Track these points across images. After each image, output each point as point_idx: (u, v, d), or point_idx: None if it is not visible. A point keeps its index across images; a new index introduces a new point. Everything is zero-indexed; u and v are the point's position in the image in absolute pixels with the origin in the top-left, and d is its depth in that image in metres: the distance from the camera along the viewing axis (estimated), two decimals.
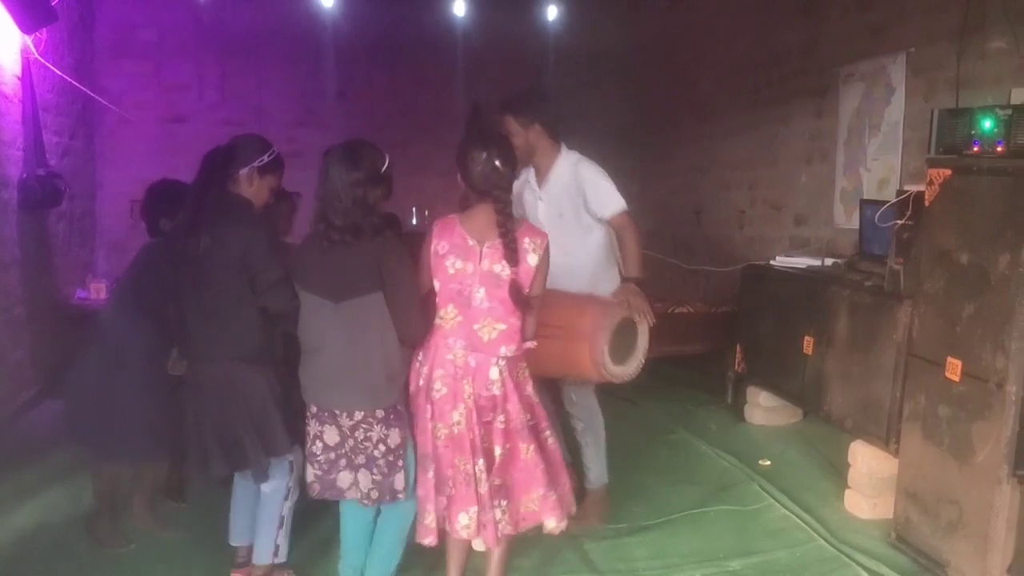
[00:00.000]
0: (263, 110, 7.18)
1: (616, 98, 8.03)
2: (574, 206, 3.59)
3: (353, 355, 2.74)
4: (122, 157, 7.07)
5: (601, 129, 7.63)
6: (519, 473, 2.83)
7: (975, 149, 3.24)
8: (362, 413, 2.77)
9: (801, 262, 4.92)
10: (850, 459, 4.04)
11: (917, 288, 3.54)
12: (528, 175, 3.69)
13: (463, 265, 2.75)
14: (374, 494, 2.84)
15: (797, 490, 4.18)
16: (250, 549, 3.16)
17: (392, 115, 7.61)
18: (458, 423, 2.75)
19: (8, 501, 3.82)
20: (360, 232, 2.73)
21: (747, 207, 6.69)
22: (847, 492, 4.03)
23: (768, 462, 4.57)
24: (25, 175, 5.07)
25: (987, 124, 3.18)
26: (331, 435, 2.83)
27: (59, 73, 5.69)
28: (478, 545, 3.02)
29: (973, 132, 3.25)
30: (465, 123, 7.65)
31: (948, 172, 3.33)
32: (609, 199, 3.56)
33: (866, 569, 3.39)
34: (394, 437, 2.81)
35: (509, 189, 2.81)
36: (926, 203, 3.45)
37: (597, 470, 3.81)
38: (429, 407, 2.78)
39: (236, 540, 3.20)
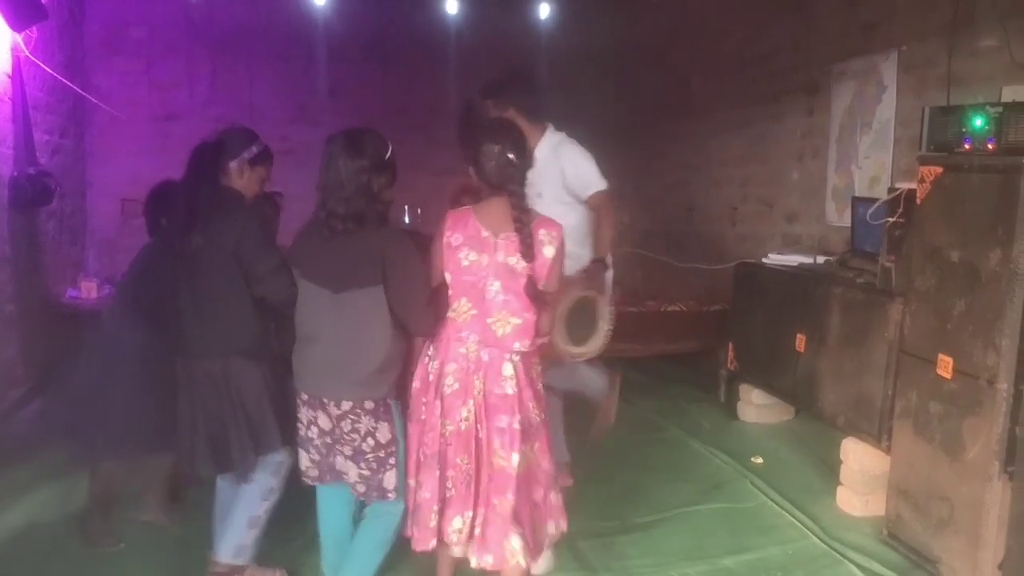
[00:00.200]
0: (255, 108, 7.14)
1: (608, 96, 8.03)
2: (553, 186, 3.58)
3: (346, 346, 2.69)
4: (113, 155, 7.04)
5: (593, 127, 7.61)
6: (532, 474, 2.75)
7: (966, 147, 3.25)
8: (350, 403, 2.71)
9: (793, 260, 4.93)
10: (842, 456, 4.05)
11: (908, 285, 3.55)
12: None
13: (477, 257, 2.69)
14: (360, 488, 2.79)
15: (789, 487, 4.19)
16: None
17: (384, 112, 7.58)
18: (465, 419, 2.68)
19: None
20: (364, 220, 2.67)
21: (739, 204, 6.70)
22: (839, 489, 4.05)
23: (760, 460, 4.58)
24: (15, 173, 5.04)
25: (978, 122, 3.19)
26: (324, 421, 2.78)
27: (49, 71, 5.66)
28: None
29: (964, 130, 3.26)
30: (459, 120, 7.64)
31: (939, 170, 3.34)
32: (590, 178, 3.56)
33: (858, 566, 3.41)
34: (384, 432, 2.76)
35: (523, 182, 2.75)
36: (917, 201, 3.46)
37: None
38: (439, 403, 2.71)
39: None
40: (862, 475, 3.93)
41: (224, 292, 2.87)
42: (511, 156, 2.71)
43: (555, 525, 2.87)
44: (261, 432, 2.93)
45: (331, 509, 2.97)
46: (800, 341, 4.45)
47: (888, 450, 3.70)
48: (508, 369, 2.70)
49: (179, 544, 3.47)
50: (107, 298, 6.30)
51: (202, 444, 2.93)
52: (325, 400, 2.74)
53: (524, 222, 2.65)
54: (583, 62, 7.84)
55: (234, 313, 2.88)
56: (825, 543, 3.61)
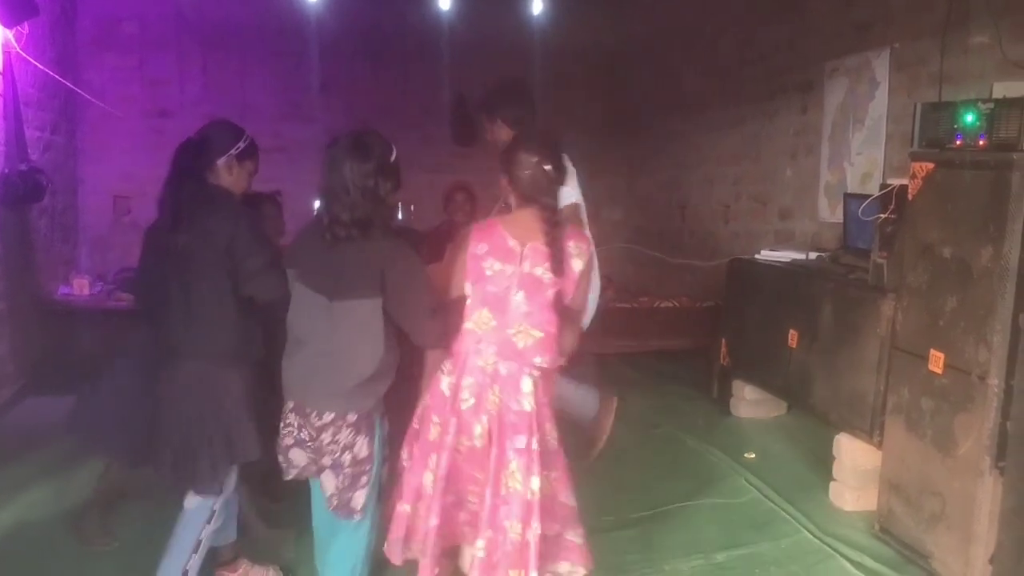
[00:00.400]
0: (247, 104, 7.12)
1: (602, 93, 8.04)
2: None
3: (334, 356, 2.58)
4: (105, 152, 7.02)
5: (586, 124, 7.65)
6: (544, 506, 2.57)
7: (957, 143, 3.26)
8: (332, 415, 2.60)
9: (786, 256, 4.94)
10: (834, 452, 4.06)
11: (900, 281, 3.56)
12: None
13: (502, 267, 2.58)
14: (335, 501, 2.66)
15: (782, 483, 4.20)
16: (233, 547, 3.12)
17: (377, 109, 7.56)
18: (480, 436, 2.56)
19: None
20: (369, 226, 2.56)
21: (732, 202, 6.71)
22: (831, 484, 4.06)
23: (753, 455, 4.60)
24: (7, 170, 5.02)
25: (969, 118, 3.20)
26: (308, 429, 2.66)
27: (41, 67, 5.64)
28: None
29: (956, 126, 3.27)
30: (451, 111, 7.63)
31: (931, 166, 3.35)
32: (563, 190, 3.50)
33: (850, 560, 3.42)
34: (362, 447, 2.64)
35: (555, 196, 2.65)
36: (909, 197, 3.47)
37: None
38: (455, 420, 2.58)
39: (216, 540, 3.09)
40: (854, 470, 3.95)
41: (208, 293, 2.78)
42: (547, 168, 2.61)
43: (569, 567, 2.69)
44: (237, 439, 2.80)
45: (323, 501, 2.87)
46: (793, 337, 4.47)
47: (880, 445, 3.71)
48: (527, 384, 2.56)
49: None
50: (100, 295, 6.30)
51: (167, 451, 2.81)
52: (308, 409, 2.63)
53: (556, 236, 2.56)
54: (577, 59, 7.85)
55: (216, 315, 2.78)
56: (818, 538, 3.63)
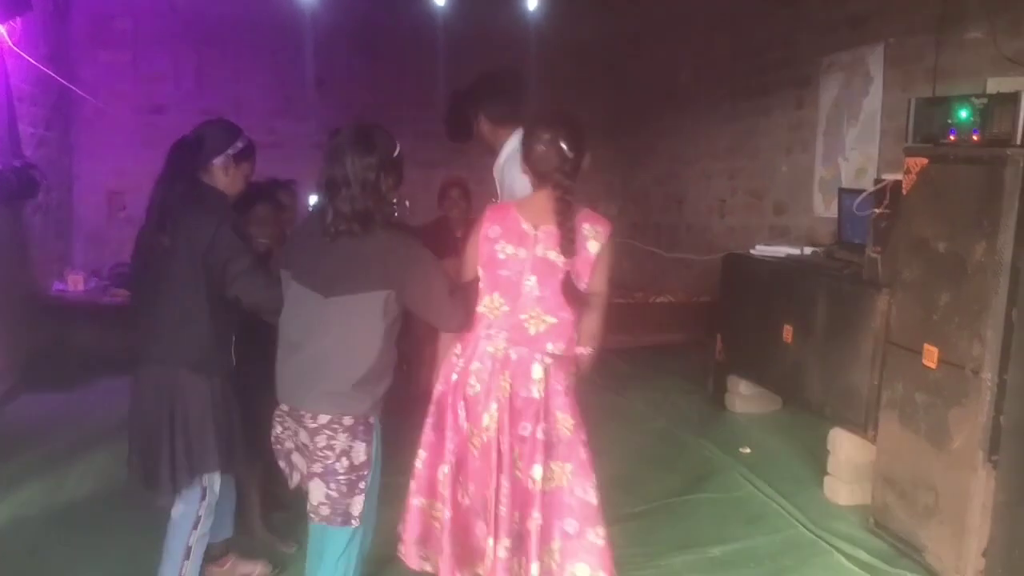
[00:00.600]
0: (241, 100, 7.11)
1: (597, 88, 8.02)
2: (503, 192, 3.55)
3: (329, 354, 2.48)
4: (99, 148, 7.01)
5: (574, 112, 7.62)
6: (550, 498, 2.49)
7: (951, 138, 3.26)
8: (327, 417, 2.47)
9: (780, 251, 4.94)
10: (829, 446, 4.07)
11: (895, 276, 3.57)
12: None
13: (515, 250, 2.50)
14: (324, 511, 2.50)
15: (777, 477, 4.21)
16: (224, 544, 3.11)
17: (372, 105, 7.55)
18: (487, 428, 2.47)
19: None
20: (370, 221, 2.46)
21: (728, 197, 6.72)
22: (826, 479, 4.07)
23: (748, 450, 4.61)
24: (0, 167, 5.01)
25: (963, 113, 3.21)
26: (303, 434, 2.53)
27: (34, 63, 5.62)
28: None
29: (950, 121, 3.27)
30: (445, 106, 7.61)
31: (925, 161, 3.35)
32: (515, 192, 3.47)
33: (845, 554, 3.43)
34: (359, 452, 2.50)
35: (572, 176, 2.52)
36: (903, 192, 3.48)
37: None
38: (463, 405, 2.51)
39: (210, 537, 3.05)
40: (849, 465, 3.96)
41: (181, 297, 2.71)
42: (563, 146, 2.50)
43: (587, 569, 2.48)
44: (198, 448, 2.73)
45: None
46: (787, 332, 4.47)
47: (874, 440, 3.72)
48: (537, 371, 2.47)
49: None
50: (95, 291, 6.29)
51: (135, 455, 2.78)
52: (302, 412, 2.49)
53: (567, 216, 2.44)
54: (572, 54, 7.84)
55: (187, 320, 2.71)
56: (812, 532, 3.64)
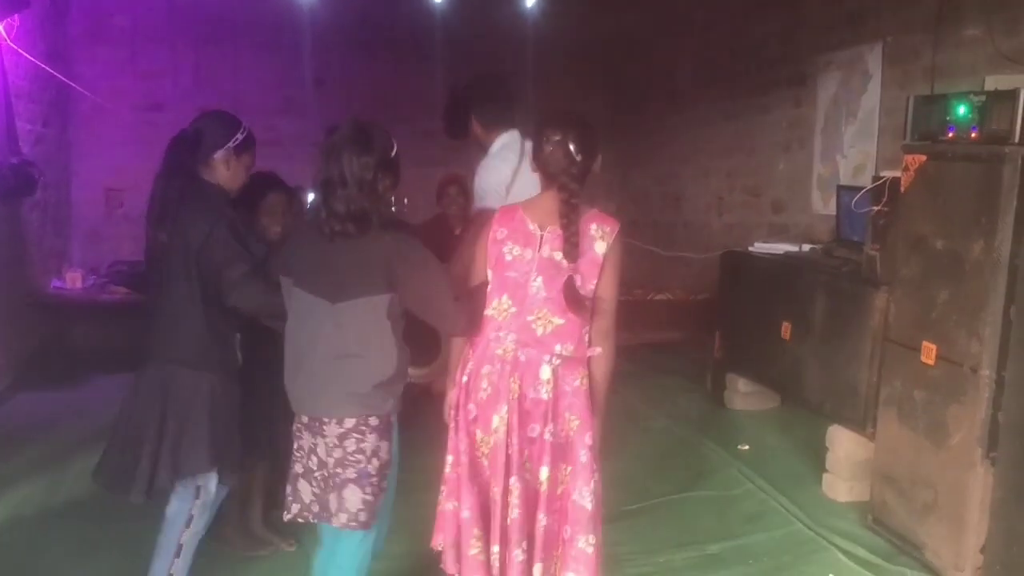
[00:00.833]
0: (240, 98, 7.08)
1: (595, 86, 8.03)
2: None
3: (347, 358, 2.43)
4: (97, 145, 7.00)
5: (584, 111, 7.62)
6: (559, 503, 2.49)
7: (950, 135, 3.26)
8: (354, 421, 2.42)
9: (779, 248, 4.94)
10: (827, 443, 4.07)
11: (893, 274, 3.57)
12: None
13: (521, 252, 2.49)
14: (363, 516, 2.44)
15: (775, 474, 4.21)
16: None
17: (370, 103, 7.55)
18: (496, 430, 2.46)
19: None
20: (365, 222, 2.41)
21: (726, 194, 6.72)
22: (825, 476, 4.08)
23: (747, 447, 4.61)
24: None
25: (961, 110, 3.21)
26: (323, 448, 2.46)
27: (32, 60, 5.61)
28: None
29: (948, 118, 3.27)
30: (444, 104, 7.60)
31: (923, 158, 3.35)
32: (478, 192, 3.44)
33: (844, 551, 3.43)
34: (385, 452, 2.48)
35: (580, 178, 2.48)
36: (902, 189, 3.48)
37: None
38: (474, 407, 2.51)
39: None
40: (847, 462, 3.96)
41: (181, 295, 2.69)
42: (571, 147, 2.47)
43: None
44: (187, 451, 2.68)
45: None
46: (786, 329, 4.47)
47: (873, 437, 3.73)
48: (546, 372, 2.46)
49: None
50: (93, 288, 6.29)
51: (114, 454, 2.74)
52: (325, 420, 2.44)
53: (571, 219, 2.42)
54: (570, 52, 7.84)
55: (181, 318, 2.69)
56: (811, 529, 3.64)
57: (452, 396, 2.61)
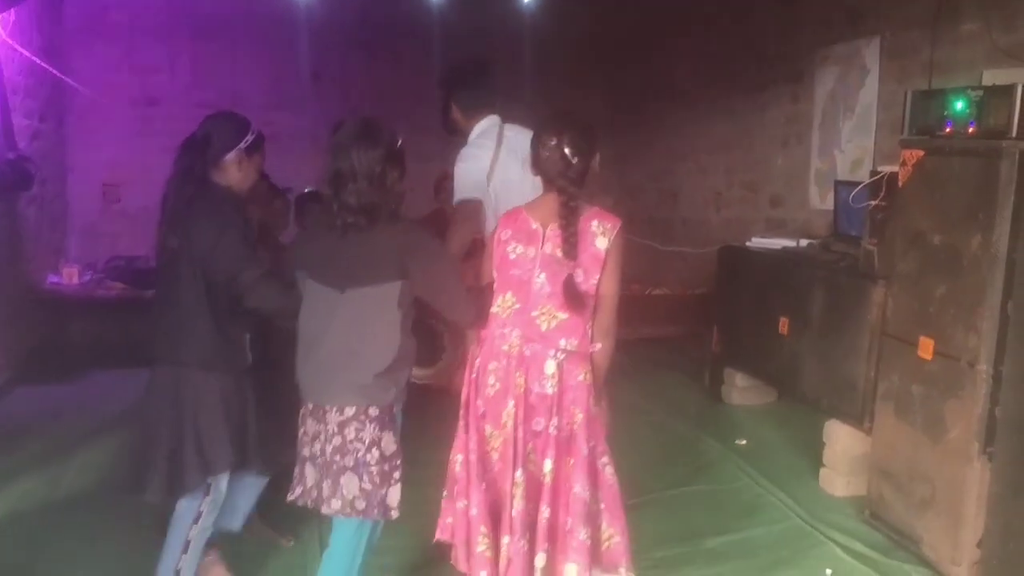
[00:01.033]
0: (237, 93, 7.08)
1: (593, 81, 8.01)
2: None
3: (351, 347, 2.49)
4: (93, 140, 6.97)
5: (578, 113, 7.61)
6: (563, 496, 2.52)
7: (948, 130, 3.27)
8: (353, 409, 2.48)
9: (777, 243, 4.94)
10: (825, 438, 4.08)
11: (891, 269, 3.58)
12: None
13: (524, 249, 2.55)
14: (359, 504, 2.48)
15: (773, 469, 4.22)
16: (221, 536, 3.08)
17: (368, 98, 7.55)
18: (505, 424, 2.51)
19: None
20: (376, 214, 2.47)
21: (724, 190, 6.72)
22: (822, 471, 4.09)
23: (744, 442, 4.62)
24: None
25: (959, 105, 3.21)
26: (323, 436, 2.52)
27: (28, 55, 5.59)
28: None
29: (946, 113, 3.28)
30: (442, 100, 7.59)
31: (921, 153, 3.36)
32: (456, 186, 3.41)
33: (841, 546, 3.44)
34: (388, 442, 2.51)
35: (577, 180, 2.54)
36: (899, 184, 3.48)
37: None
38: (482, 403, 2.56)
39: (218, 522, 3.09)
40: (845, 456, 3.97)
41: (190, 297, 2.71)
42: (567, 151, 2.52)
43: (575, 569, 2.50)
44: (212, 450, 2.73)
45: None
46: (784, 324, 4.48)
47: (870, 432, 3.74)
48: (551, 367, 2.51)
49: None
50: (90, 283, 6.27)
51: (162, 463, 2.74)
52: (327, 407, 2.50)
53: (570, 220, 2.48)
54: (567, 48, 7.82)
55: (191, 320, 2.71)
56: (808, 524, 3.65)
57: (464, 393, 2.64)
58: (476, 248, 3.26)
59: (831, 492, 3.99)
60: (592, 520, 2.55)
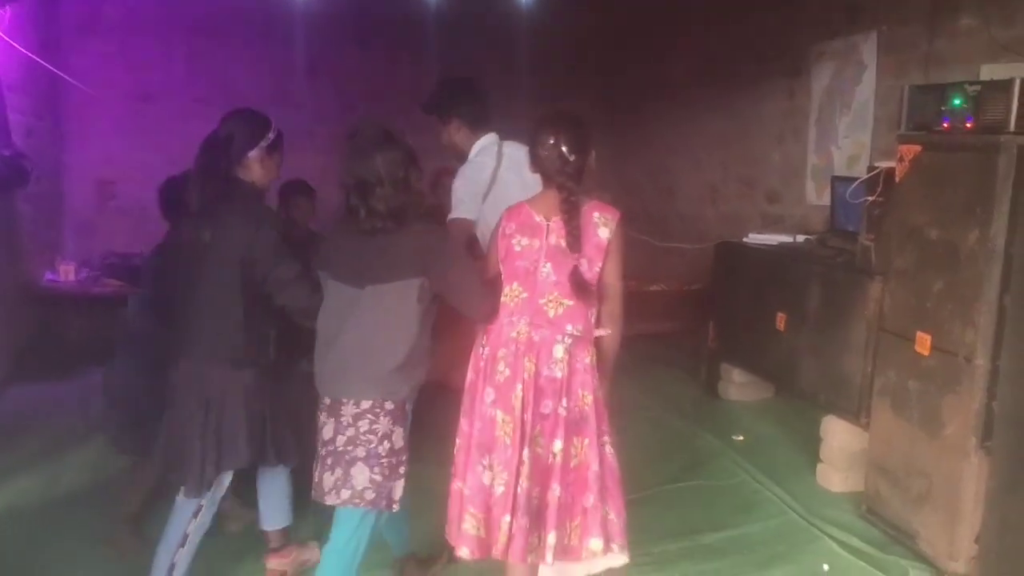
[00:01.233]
0: (233, 88, 7.05)
1: (590, 77, 8.00)
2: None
3: (368, 342, 2.56)
4: (89, 136, 6.94)
5: (574, 109, 7.60)
6: (574, 474, 2.60)
7: (945, 125, 3.26)
8: (369, 403, 2.56)
9: (773, 239, 4.95)
10: (822, 433, 4.09)
11: (888, 264, 3.58)
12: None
13: (529, 241, 2.64)
14: (369, 495, 2.56)
15: (770, 465, 4.23)
16: (282, 533, 3.12)
17: (365, 94, 7.52)
18: (514, 408, 2.58)
19: None
20: (404, 216, 2.56)
21: (720, 185, 6.72)
22: (819, 466, 4.09)
23: (741, 437, 4.62)
24: None
25: (956, 100, 3.21)
26: (331, 428, 2.60)
27: (23, 51, 5.57)
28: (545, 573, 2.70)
29: (943, 108, 3.27)
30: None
31: (918, 148, 3.35)
32: (453, 201, 3.44)
33: (838, 541, 3.45)
34: (399, 437, 2.60)
35: (575, 177, 2.62)
36: (896, 179, 3.48)
37: None
38: (492, 391, 2.61)
39: (267, 525, 3.12)
40: (842, 452, 3.98)
41: (216, 293, 2.74)
42: (564, 149, 2.61)
43: (599, 543, 2.59)
44: (228, 444, 2.76)
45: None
46: (780, 320, 4.48)
47: (867, 427, 3.74)
48: (559, 351, 2.60)
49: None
50: (86, 280, 6.25)
51: (175, 455, 2.79)
52: (344, 400, 2.58)
53: (571, 213, 2.57)
54: (564, 43, 7.80)
55: (222, 316, 2.74)
56: (805, 519, 3.65)
57: (469, 379, 2.71)
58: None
59: (828, 487, 4.00)
60: (612, 497, 2.67)
